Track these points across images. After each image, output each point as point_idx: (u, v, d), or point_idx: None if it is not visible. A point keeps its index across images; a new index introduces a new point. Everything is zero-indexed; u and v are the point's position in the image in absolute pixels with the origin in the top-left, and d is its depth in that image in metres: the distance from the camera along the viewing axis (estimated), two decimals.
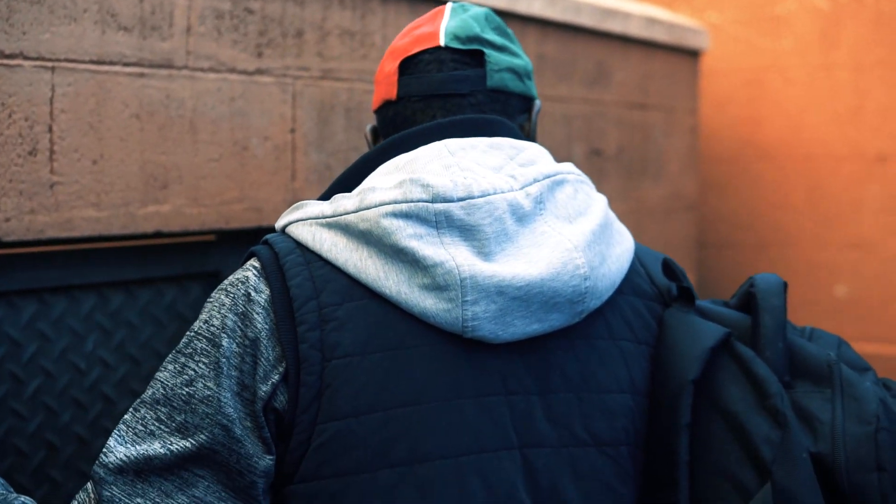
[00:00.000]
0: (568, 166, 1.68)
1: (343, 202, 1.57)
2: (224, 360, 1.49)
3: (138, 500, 1.47)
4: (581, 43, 3.76)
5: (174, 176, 2.38)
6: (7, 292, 2.20)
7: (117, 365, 2.40)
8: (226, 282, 1.57)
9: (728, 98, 5.03)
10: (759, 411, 1.57)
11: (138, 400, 1.54)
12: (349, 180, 1.70)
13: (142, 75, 2.30)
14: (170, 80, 2.36)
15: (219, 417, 1.48)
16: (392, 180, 1.56)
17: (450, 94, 1.73)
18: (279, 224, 1.64)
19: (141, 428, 1.50)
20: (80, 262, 2.31)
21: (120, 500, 1.47)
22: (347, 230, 1.53)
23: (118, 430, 1.51)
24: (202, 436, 1.48)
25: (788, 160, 4.90)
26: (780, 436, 1.54)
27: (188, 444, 1.48)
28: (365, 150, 2.78)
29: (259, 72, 2.55)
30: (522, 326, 1.53)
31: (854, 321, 4.50)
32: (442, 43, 1.74)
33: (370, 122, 2.78)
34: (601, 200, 1.69)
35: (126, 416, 1.53)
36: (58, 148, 2.16)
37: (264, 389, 1.48)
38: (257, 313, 1.51)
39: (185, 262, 2.53)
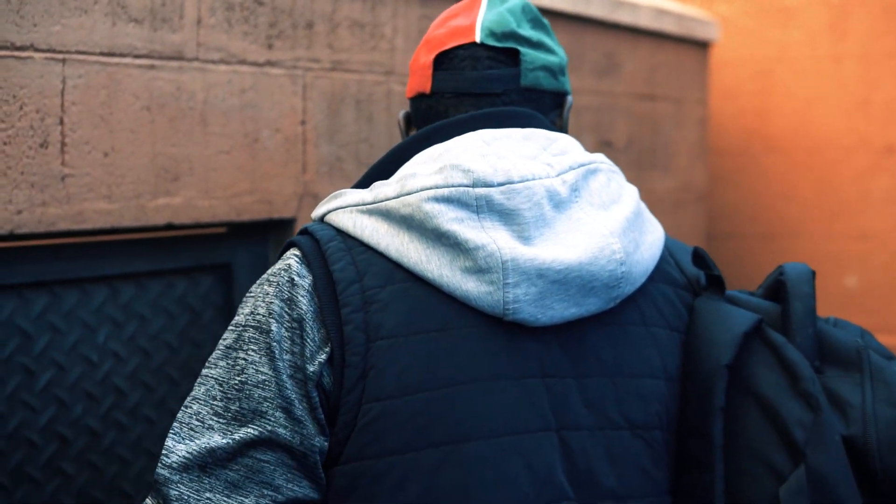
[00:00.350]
0: (600, 156, 1.70)
1: (383, 189, 1.58)
2: (275, 344, 1.50)
3: (207, 494, 1.47)
4: (590, 34, 3.75)
5: (185, 168, 2.38)
6: (19, 285, 2.20)
7: (129, 357, 2.40)
8: (266, 274, 1.59)
9: (737, 89, 5.03)
10: (792, 395, 1.60)
11: (189, 398, 1.54)
12: (385, 168, 1.71)
13: (152, 67, 2.30)
14: (180, 72, 2.36)
15: (278, 400, 1.49)
16: (432, 167, 1.58)
17: (483, 94, 1.74)
18: (317, 213, 1.66)
19: (197, 423, 1.51)
20: (91, 254, 2.31)
21: (189, 497, 1.47)
22: (388, 216, 1.55)
23: (174, 431, 1.51)
24: (263, 420, 1.49)
25: (797, 151, 4.89)
26: (812, 419, 1.57)
27: (250, 431, 1.49)
28: (375, 141, 2.78)
29: (269, 63, 2.54)
30: (560, 310, 1.55)
31: (862, 312, 4.50)
32: (478, 39, 1.74)
33: (381, 113, 2.78)
34: (633, 190, 1.72)
35: (179, 416, 1.53)
36: (69, 140, 2.16)
37: (312, 370, 1.50)
38: (301, 296, 1.52)
39: (197, 255, 2.53)
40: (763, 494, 1.58)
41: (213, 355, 1.56)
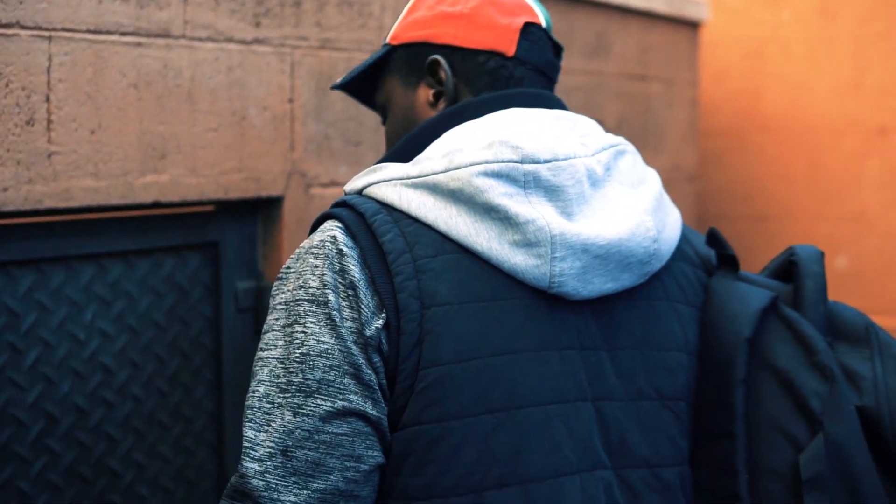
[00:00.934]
0: (622, 138, 1.76)
1: (428, 164, 1.60)
2: (335, 312, 1.51)
3: (293, 478, 1.48)
4: (580, 14, 3.75)
5: (172, 146, 2.38)
6: (5, 263, 2.19)
7: (116, 335, 2.40)
8: (306, 247, 1.58)
9: (727, 70, 5.02)
10: (808, 367, 1.67)
11: (254, 383, 1.54)
12: (412, 145, 1.72)
13: (139, 45, 2.29)
14: (167, 49, 2.35)
15: (345, 367, 1.50)
16: (478, 142, 1.59)
17: (549, 77, 1.83)
18: (353, 186, 1.66)
19: (268, 405, 1.51)
20: (78, 232, 2.31)
21: (277, 484, 1.48)
22: (436, 189, 1.57)
23: (249, 418, 1.52)
24: (331, 389, 1.50)
25: (788, 133, 4.89)
26: (828, 389, 1.64)
27: (321, 403, 1.50)
28: (364, 119, 2.78)
29: (257, 41, 2.54)
30: (599, 284, 1.60)
31: (854, 294, 4.50)
32: (543, 24, 1.82)
33: None
34: (654, 172, 1.79)
35: (249, 402, 1.54)
36: (55, 118, 2.15)
37: (370, 334, 1.51)
38: (352, 266, 1.53)
39: (184, 233, 2.53)
40: (782, 462, 1.64)
41: (267, 338, 1.56)
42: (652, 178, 1.74)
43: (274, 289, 1.59)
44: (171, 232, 2.50)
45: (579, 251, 1.56)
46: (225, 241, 2.61)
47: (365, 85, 1.93)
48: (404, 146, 1.73)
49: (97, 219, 2.34)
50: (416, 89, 1.81)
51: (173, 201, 2.39)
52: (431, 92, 1.78)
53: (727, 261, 1.82)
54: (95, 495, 2.37)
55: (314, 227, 1.64)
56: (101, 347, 2.37)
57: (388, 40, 1.85)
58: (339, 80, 1.95)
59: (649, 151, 4.17)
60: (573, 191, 1.59)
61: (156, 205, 2.37)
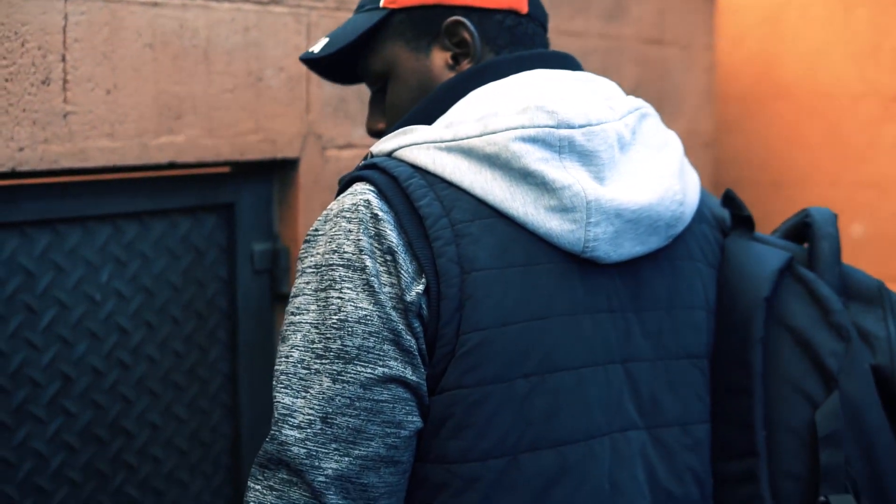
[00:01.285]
0: (643, 101, 1.75)
1: (462, 127, 1.58)
2: (373, 278, 1.49)
3: (334, 445, 1.47)
4: None
5: (188, 106, 2.37)
6: (21, 223, 2.19)
7: (132, 296, 2.40)
8: (336, 210, 1.55)
9: (745, 35, 4.99)
10: (824, 326, 1.71)
11: (286, 348, 1.52)
12: (433, 107, 1.70)
13: (155, 4, 2.28)
14: (183, 9, 2.34)
15: (384, 333, 1.49)
16: (513, 106, 1.58)
17: (546, 32, 1.84)
18: (383, 148, 1.63)
19: (304, 371, 1.50)
20: (94, 192, 2.30)
21: (318, 451, 1.47)
22: (471, 154, 1.56)
23: (283, 384, 1.50)
24: (371, 355, 1.49)
25: (805, 98, 4.87)
26: (844, 348, 1.69)
27: (361, 370, 1.49)
28: None
29: (273, 2, 2.52)
30: (629, 248, 1.61)
31: (870, 260, 4.48)
32: None
33: None
34: (675, 134, 1.79)
35: (281, 368, 1.52)
36: (71, 77, 2.15)
37: (410, 299, 1.50)
38: (389, 230, 1.51)
39: (200, 194, 2.52)
40: (798, 419, 1.69)
41: (298, 301, 1.54)
42: (673, 141, 1.75)
43: (302, 251, 1.57)
44: (187, 193, 2.49)
45: (612, 216, 1.56)
46: (240, 202, 2.60)
47: (344, 55, 1.86)
48: (425, 109, 1.71)
49: (113, 179, 2.34)
50: (430, 53, 1.77)
51: (189, 162, 2.39)
52: (449, 54, 1.76)
53: (743, 222, 1.85)
54: (111, 456, 2.38)
55: (342, 189, 1.62)
56: (116, 308, 2.37)
57: (382, 4, 1.79)
58: (317, 50, 1.87)
59: (666, 116, 4.15)
60: (605, 155, 1.59)
61: (171, 165, 2.36)
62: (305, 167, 2.64)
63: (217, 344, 2.60)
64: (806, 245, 1.86)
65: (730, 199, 1.88)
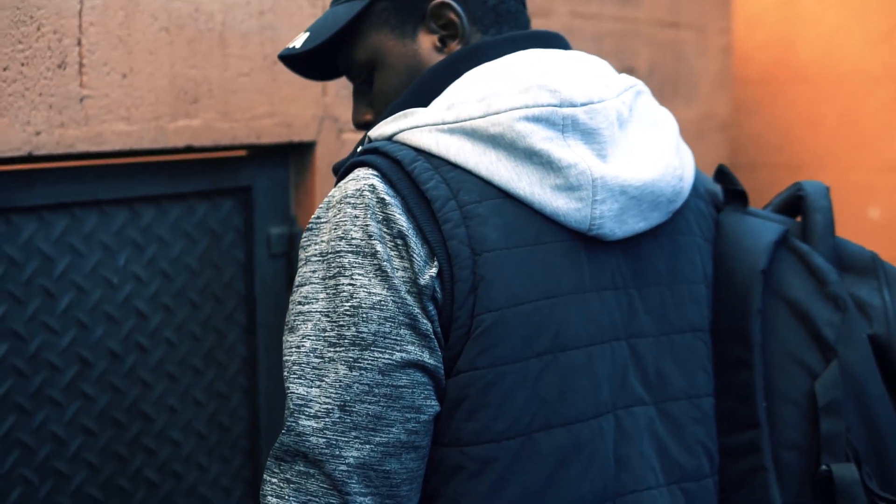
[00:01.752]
0: (634, 78, 1.75)
1: (463, 108, 1.56)
2: (385, 263, 1.47)
3: (353, 433, 1.45)
4: None
5: (204, 90, 2.37)
6: (38, 207, 2.20)
7: (149, 280, 2.40)
8: (339, 197, 1.53)
9: (761, 18, 4.97)
10: (820, 297, 1.74)
11: (296, 338, 1.50)
12: (424, 89, 1.68)
13: None
14: None
15: (400, 318, 1.47)
16: (515, 85, 1.57)
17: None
18: (383, 132, 1.61)
19: (317, 360, 1.48)
20: (111, 176, 2.31)
21: (338, 440, 1.45)
22: (474, 135, 1.54)
23: (297, 374, 1.48)
24: (388, 341, 1.47)
25: (822, 81, 4.85)
26: (841, 319, 1.71)
27: (378, 356, 1.47)
28: None
29: None
30: (633, 224, 1.61)
31: (887, 243, 4.47)
32: None
33: None
34: (667, 111, 1.78)
35: (293, 358, 1.50)
36: (87, 61, 2.15)
37: (424, 283, 1.48)
38: (398, 215, 1.49)
39: (216, 178, 2.53)
40: (798, 389, 1.71)
41: (305, 290, 1.51)
42: (667, 118, 1.75)
43: (304, 240, 1.55)
44: (204, 176, 2.50)
45: (617, 193, 1.56)
46: (257, 185, 2.61)
47: (325, 49, 1.83)
48: (418, 92, 1.68)
49: (129, 163, 2.34)
50: (416, 37, 1.75)
51: (205, 146, 2.39)
52: (436, 37, 1.74)
53: (736, 196, 1.86)
54: (129, 439, 2.38)
55: (342, 175, 1.60)
56: (134, 292, 2.37)
57: None
58: (299, 45, 1.84)
59: (681, 99, 4.15)
60: (607, 133, 1.59)
61: (188, 149, 2.37)
62: (322, 150, 2.64)
63: (235, 327, 2.61)
64: (799, 218, 1.87)
65: (723, 174, 1.89)
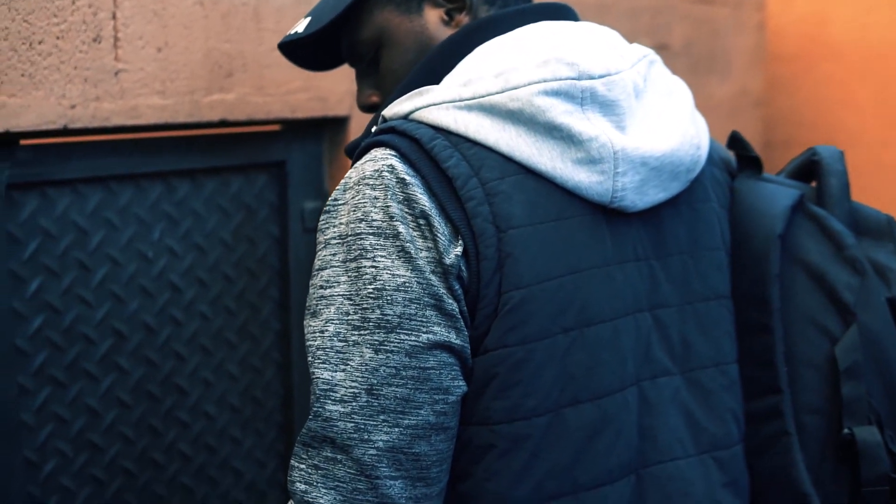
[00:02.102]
0: (648, 48, 1.74)
1: (481, 84, 1.54)
2: (408, 244, 1.45)
3: (381, 416, 1.44)
4: None
5: (239, 64, 2.37)
6: (73, 180, 2.20)
7: (184, 254, 2.41)
8: (356, 178, 1.51)
9: None
10: (838, 261, 1.74)
11: (319, 322, 1.48)
12: (436, 65, 1.66)
13: None
14: None
15: (425, 299, 1.45)
16: (532, 59, 1.55)
17: None
18: (398, 111, 1.58)
19: (341, 343, 1.46)
20: (146, 149, 2.31)
21: (366, 424, 1.43)
22: (493, 111, 1.52)
23: (321, 359, 1.46)
24: (414, 323, 1.45)
25: (856, 59, 4.82)
26: (859, 282, 1.71)
27: (404, 338, 1.45)
28: None
29: None
30: (653, 195, 1.60)
31: None
32: None
33: None
34: (680, 79, 1.77)
35: (317, 343, 1.47)
36: (122, 35, 2.15)
37: (449, 262, 1.46)
38: (419, 194, 1.47)
39: (251, 152, 2.53)
40: (818, 353, 1.71)
41: (326, 274, 1.49)
42: (680, 86, 1.74)
43: (322, 223, 1.53)
44: (238, 151, 2.50)
45: (638, 165, 1.55)
46: (291, 160, 2.61)
47: (329, 32, 1.80)
48: (429, 67, 1.66)
49: (164, 137, 2.34)
50: (422, 12, 1.73)
51: (240, 120, 2.39)
52: (442, 10, 1.73)
53: (750, 162, 1.85)
54: (163, 412, 2.39)
55: (358, 157, 1.58)
56: (168, 265, 2.38)
57: None
58: (302, 29, 1.81)
59: (716, 76, 4.13)
60: (625, 104, 1.57)
61: (222, 123, 2.37)
62: (356, 125, 2.63)
63: (269, 301, 2.61)
64: (814, 183, 1.86)
65: (736, 141, 1.89)
